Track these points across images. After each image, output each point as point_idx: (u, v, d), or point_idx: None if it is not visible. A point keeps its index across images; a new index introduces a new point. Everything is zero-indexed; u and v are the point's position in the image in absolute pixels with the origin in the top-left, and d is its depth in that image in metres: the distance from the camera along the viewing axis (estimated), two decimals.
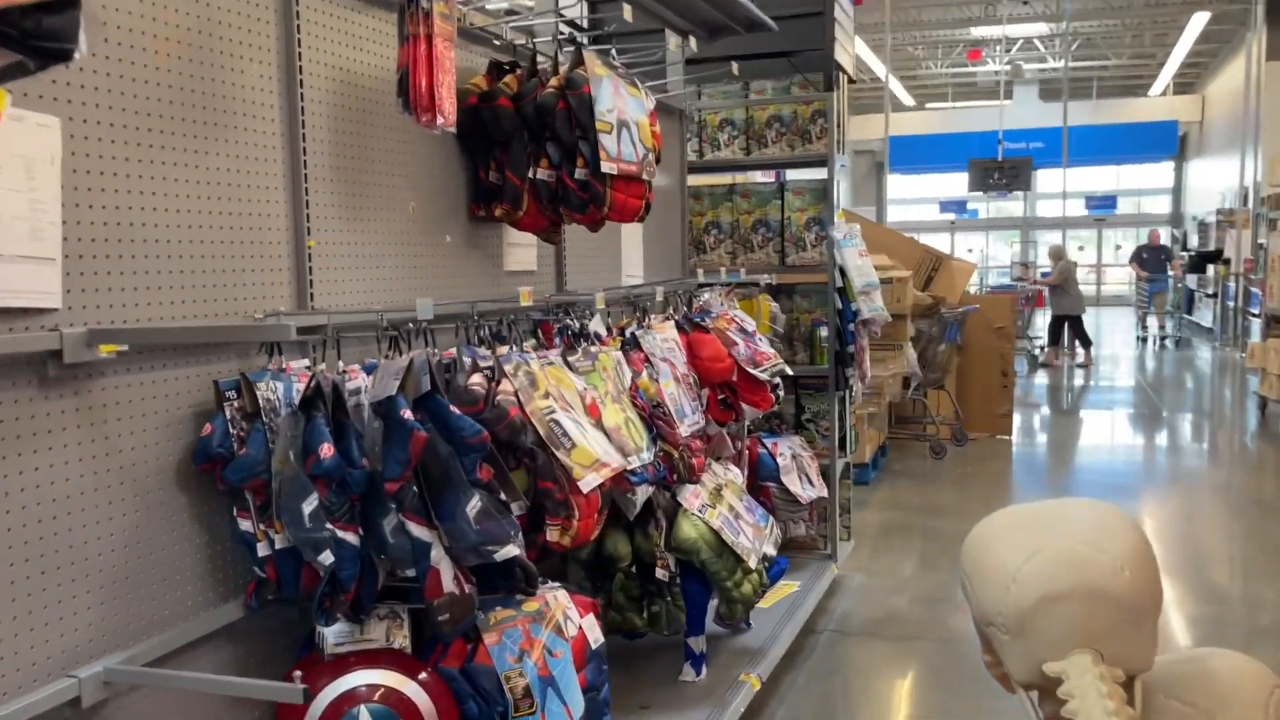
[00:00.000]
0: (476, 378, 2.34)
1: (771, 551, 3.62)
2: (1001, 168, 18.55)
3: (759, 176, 6.62)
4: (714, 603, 3.51)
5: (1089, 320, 15.07)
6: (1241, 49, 18.27)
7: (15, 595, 1.73)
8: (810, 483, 4.38)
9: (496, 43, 3.03)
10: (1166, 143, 24.66)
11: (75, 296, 1.82)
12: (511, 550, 2.10)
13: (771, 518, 3.79)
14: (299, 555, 2.02)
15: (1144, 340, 17.37)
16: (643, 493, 2.89)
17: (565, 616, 2.45)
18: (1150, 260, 17.56)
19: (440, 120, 2.32)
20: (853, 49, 5.52)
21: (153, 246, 1.97)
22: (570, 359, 2.75)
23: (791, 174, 5.76)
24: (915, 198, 28.13)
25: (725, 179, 5.40)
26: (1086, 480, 7.52)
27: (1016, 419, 9.29)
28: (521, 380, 2.43)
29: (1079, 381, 12.82)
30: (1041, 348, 14.69)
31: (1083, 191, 26.12)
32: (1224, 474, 7.77)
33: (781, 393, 3.77)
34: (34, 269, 1.73)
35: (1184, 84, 25.12)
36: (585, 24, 3.28)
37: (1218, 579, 5.34)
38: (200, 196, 2.08)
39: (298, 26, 2.31)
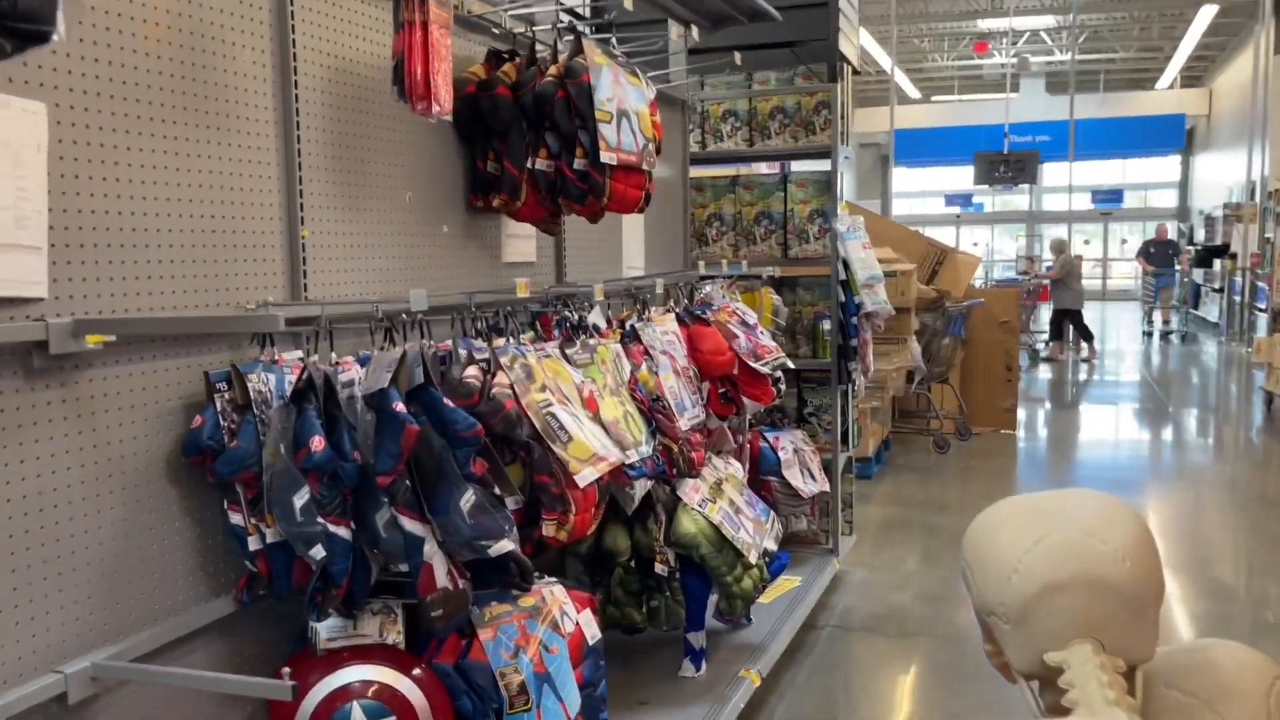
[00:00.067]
0: (472, 370, 2.31)
1: (772, 546, 3.59)
2: (1007, 161, 18.50)
3: (762, 168, 6.59)
4: (714, 598, 3.48)
5: (1093, 315, 15.02)
6: (1249, 42, 18.17)
7: (0, 589, 1.70)
8: (812, 477, 4.35)
9: (495, 31, 2.99)
10: (1173, 136, 24.58)
11: (62, 286, 1.79)
12: (506, 545, 2.08)
13: (772, 512, 3.76)
14: (291, 549, 1.99)
15: (1149, 335, 17.32)
16: (641, 487, 2.86)
17: (562, 612, 2.42)
18: (1158, 255, 17.50)
19: (436, 109, 2.28)
20: (857, 40, 5.48)
21: (142, 236, 1.94)
22: (568, 351, 2.72)
23: (795, 166, 5.73)
24: (921, 191, 28.07)
25: (728, 170, 5.36)
26: (1091, 475, 7.49)
27: (1021, 414, 9.25)
28: (518, 373, 2.40)
29: (1083, 376, 12.77)
30: (1046, 342, 14.64)
31: (1089, 185, 26.06)
32: (1229, 469, 7.72)
33: (783, 386, 3.74)
34: (19, 258, 1.70)
35: (1191, 77, 25.01)
36: (586, 12, 3.24)
37: (1222, 575, 5.31)
38: (191, 185, 2.04)
39: (291, 12, 2.27)
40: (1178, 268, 18.05)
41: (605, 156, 2.70)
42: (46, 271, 1.75)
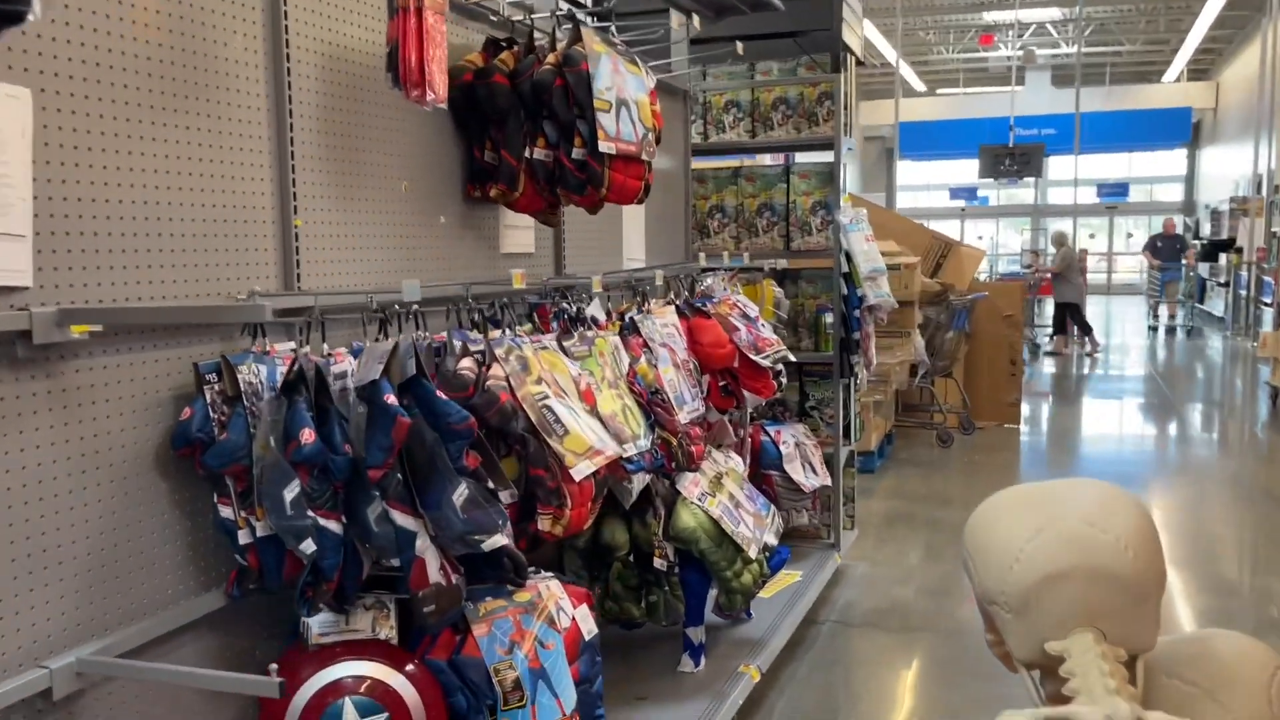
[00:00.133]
0: (467, 362, 2.28)
1: (773, 541, 3.56)
2: (1013, 154, 18.43)
3: (765, 159, 6.55)
4: (713, 593, 3.45)
5: (1098, 309, 14.97)
6: (1257, 35, 18.07)
7: None
8: (814, 471, 4.32)
9: (493, 18, 2.95)
10: (1180, 130, 24.47)
11: (47, 275, 1.76)
12: (499, 540, 2.05)
13: (773, 506, 3.73)
14: (281, 543, 1.96)
15: (1155, 330, 17.26)
16: (639, 481, 2.83)
17: (558, 607, 2.39)
18: (1165, 249, 17.43)
19: (431, 96, 2.25)
20: (861, 30, 5.43)
21: (130, 225, 1.91)
22: (566, 344, 2.69)
23: (798, 157, 5.69)
24: (925, 184, 27.97)
25: (730, 162, 5.32)
26: (1094, 470, 7.45)
27: (1024, 408, 9.21)
28: (513, 365, 2.36)
29: (1087, 370, 12.72)
30: (1050, 336, 14.59)
31: (1094, 179, 25.95)
32: (1234, 464, 7.68)
33: (784, 379, 3.70)
34: (2, 246, 1.67)
35: (1198, 70, 24.89)
36: (585, 1, 3.20)
37: (1226, 570, 5.27)
38: (181, 173, 2.01)
39: None
40: (1184, 262, 17.99)
41: (604, 146, 2.66)
42: (31, 260, 1.72)
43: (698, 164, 4.85)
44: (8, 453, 1.70)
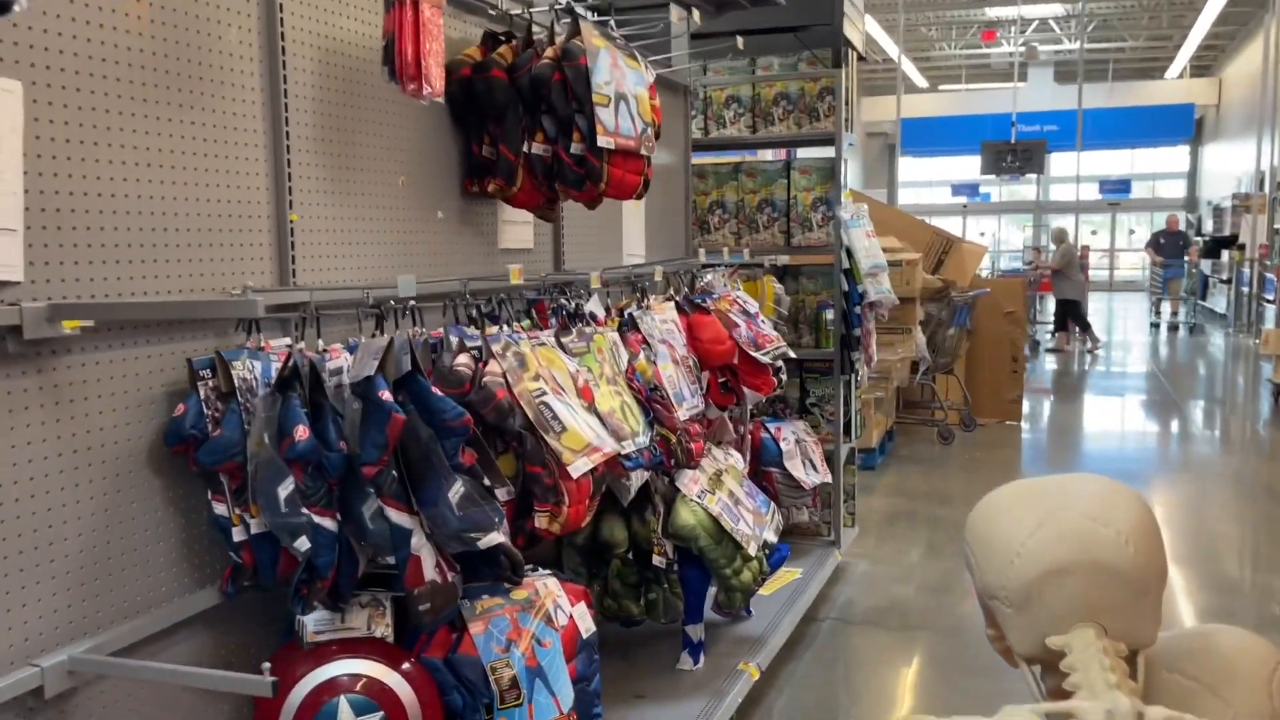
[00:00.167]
0: (463, 358, 2.26)
1: (773, 538, 3.55)
2: (1015, 150, 18.40)
3: (766, 155, 6.52)
4: (713, 590, 3.43)
5: (1100, 306, 14.94)
6: (1259, 32, 18.03)
7: None
8: (814, 468, 4.30)
9: (491, 12, 2.93)
10: (1182, 126, 24.42)
11: (38, 270, 1.74)
12: (495, 538, 2.03)
13: (773, 504, 3.71)
14: (276, 540, 1.95)
15: (1157, 326, 17.23)
16: (637, 478, 2.81)
17: (555, 605, 2.37)
18: (1168, 245, 17.39)
19: (427, 90, 2.23)
20: (862, 25, 5.41)
21: (123, 219, 1.89)
22: (563, 340, 2.67)
23: (799, 152, 5.67)
24: (927, 180, 27.94)
25: (731, 157, 5.30)
26: (1096, 467, 7.42)
27: (1026, 405, 9.19)
28: (510, 361, 2.35)
29: (1089, 367, 12.70)
30: (1052, 333, 14.56)
31: (1097, 175, 25.90)
32: (1235, 462, 7.66)
33: (784, 376, 3.69)
34: None
35: (1201, 67, 24.84)
36: None
37: (1228, 568, 5.25)
38: (175, 167, 1.99)
39: None
40: (1186, 259, 17.96)
41: (603, 141, 2.64)
42: (22, 255, 1.70)
43: (698, 159, 4.83)
44: None
